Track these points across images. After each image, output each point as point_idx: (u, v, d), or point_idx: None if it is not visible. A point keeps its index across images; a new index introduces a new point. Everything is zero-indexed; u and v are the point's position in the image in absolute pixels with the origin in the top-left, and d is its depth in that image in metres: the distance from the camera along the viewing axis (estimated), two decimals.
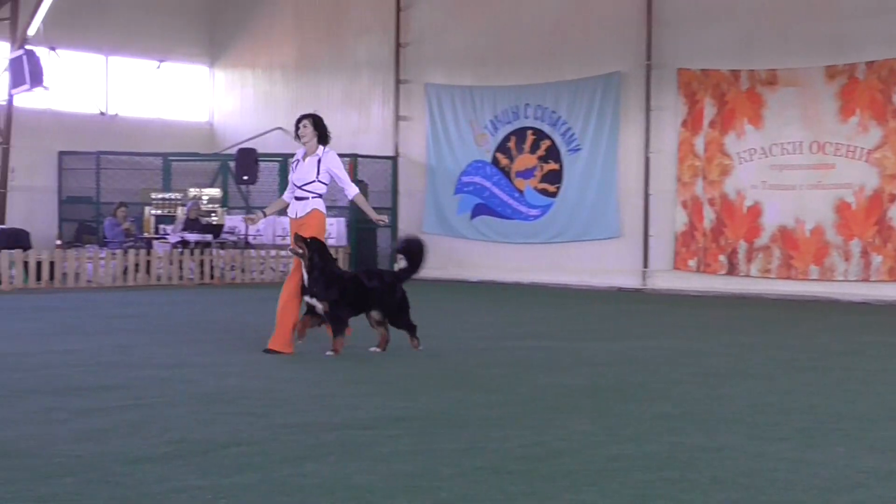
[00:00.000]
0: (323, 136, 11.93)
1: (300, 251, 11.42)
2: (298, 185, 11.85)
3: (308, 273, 11.40)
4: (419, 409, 8.22)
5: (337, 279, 11.53)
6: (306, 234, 11.55)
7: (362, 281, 11.78)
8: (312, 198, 11.83)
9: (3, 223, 26.05)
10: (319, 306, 11.41)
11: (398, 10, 27.85)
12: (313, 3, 29.70)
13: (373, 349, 11.68)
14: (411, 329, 11.94)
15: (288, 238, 25.04)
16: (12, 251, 21.52)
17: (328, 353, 11.30)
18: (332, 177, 11.88)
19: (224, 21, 31.63)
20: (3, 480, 5.82)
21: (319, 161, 11.80)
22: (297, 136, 11.98)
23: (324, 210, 11.94)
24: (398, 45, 27.88)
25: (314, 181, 11.79)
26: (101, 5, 29.39)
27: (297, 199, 11.90)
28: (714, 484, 5.98)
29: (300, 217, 11.83)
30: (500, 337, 13.83)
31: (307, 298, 11.49)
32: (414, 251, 12.12)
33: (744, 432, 7.48)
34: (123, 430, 7.27)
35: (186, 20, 31.35)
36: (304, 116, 12.02)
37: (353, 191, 12.18)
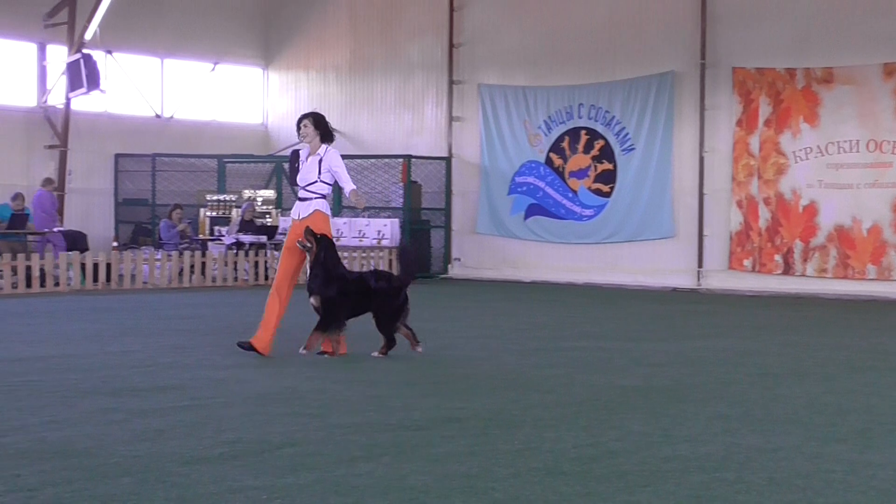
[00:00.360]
0: (326, 135, 11.82)
1: (308, 245, 11.23)
2: (302, 185, 11.68)
3: (310, 268, 11.27)
4: (474, 409, 8.22)
5: (338, 279, 11.29)
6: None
7: (367, 282, 11.50)
8: (315, 198, 11.63)
9: (61, 225, 26.31)
10: (311, 301, 11.29)
11: (451, 10, 27.85)
12: (367, 5, 29.77)
13: (374, 354, 11.39)
14: (391, 341, 11.43)
15: (343, 239, 25.05)
16: (70, 253, 21.74)
17: (301, 350, 11.33)
18: (333, 176, 11.67)
19: (279, 23, 31.77)
20: (62, 480, 5.88)
21: (321, 160, 11.65)
22: (300, 137, 11.88)
23: (327, 211, 11.71)
24: (451, 46, 27.88)
25: (316, 181, 11.63)
26: (156, 9, 29.61)
27: (301, 199, 11.71)
28: (770, 485, 5.93)
29: (303, 218, 11.58)
30: (554, 337, 13.80)
31: (310, 299, 11.35)
32: (407, 260, 12.12)
33: (800, 433, 7.42)
34: (179, 430, 7.32)
35: (241, 22, 31.52)
36: (304, 116, 11.90)
37: (349, 187, 11.69)
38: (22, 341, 12.68)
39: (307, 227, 11.33)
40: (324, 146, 11.77)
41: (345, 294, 11.23)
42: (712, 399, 8.87)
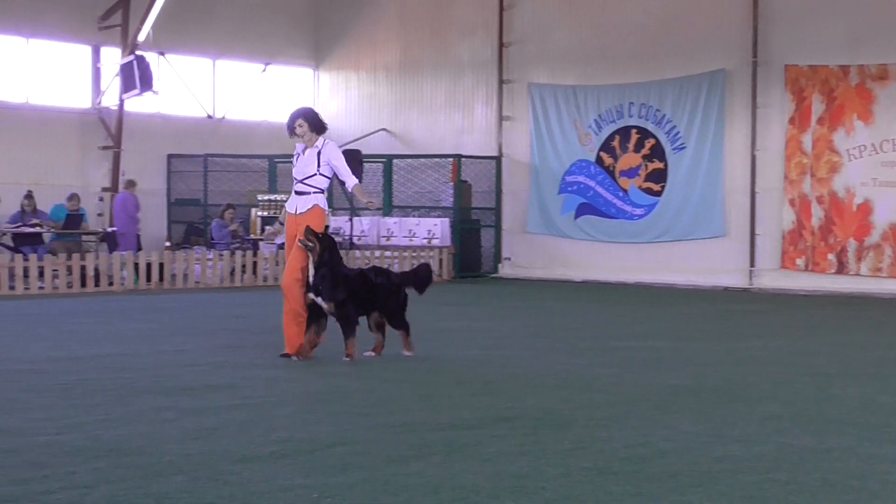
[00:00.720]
0: (320, 128, 11.48)
1: (310, 244, 10.88)
2: (299, 178, 11.35)
3: (315, 269, 10.89)
4: (524, 408, 8.21)
5: (343, 279, 10.97)
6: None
7: (369, 277, 11.27)
8: (314, 192, 11.34)
9: (114, 225, 26.54)
10: (324, 306, 10.90)
11: (501, 9, 27.83)
12: (417, 4, 29.80)
13: (368, 353, 11.17)
14: (406, 328, 11.35)
15: (393, 238, 25.07)
16: (124, 253, 21.92)
17: (344, 358, 10.83)
18: (332, 169, 11.42)
19: (329, 23, 31.86)
20: (116, 478, 5.93)
21: (319, 153, 11.37)
22: (295, 137, 11.50)
23: (325, 206, 11.44)
24: (501, 45, 27.86)
25: (315, 174, 11.32)
26: (208, 10, 29.79)
27: (298, 193, 11.37)
28: (824, 486, 5.89)
29: (300, 213, 11.27)
30: (604, 337, 13.76)
31: (310, 295, 10.93)
32: (422, 279, 11.71)
33: (855, 434, 7.35)
34: (231, 429, 7.36)
35: (292, 23, 31.64)
36: (296, 115, 11.47)
37: (352, 181, 11.56)
38: (77, 340, 12.80)
39: (307, 226, 10.97)
40: (321, 139, 11.49)
41: (353, 293, 10.95)
42: (764, 399, 8.81)
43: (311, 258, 10.92)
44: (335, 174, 11.56)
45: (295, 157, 11.54)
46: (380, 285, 11.20)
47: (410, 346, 11.37)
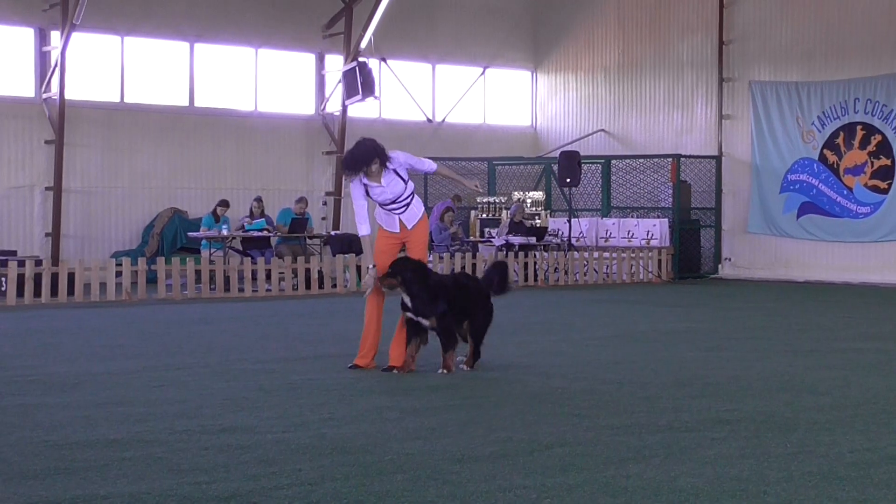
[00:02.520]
0: (386, 160, 10.54)
1: (395, 283, 10.29)
2: (392, 200, 10.56)
3: (409, 295, 10.28)
4: (745, 411, 8.10)
5: (440, 289, 10.35)
6: (421, 237, 10.69)
7: (463, 282, 10.80)
8: (412, 202, 10.69)
9: (337, 229, 27.17)
10: (426, 323, 10.34)
11: (721, 7, 27.46)
12: (636, 4, 29.62)
13: (461, 365, 10.57)
14: (477, 345, 10.66)
15: (612, 239, 24.96)
16: (346, 255, 22.42)
17: (441, 370, 10.28)
18: (408, 169, 10.66)
19: (547, 25, 31.94)
20: (340, 475, 6.10)
21: (396, 171, 10.51)
22: (364, 176, 10.47)
23: (421, 205, 10.85)
24: (721, 43, 27.48)
25: (405, 189, 10.60)
26: (428, 16, 30.25)
27: (394, 212, 10.66)
28: None
29: (414, 226, 10.70)
30: (828, 338, 13.43)
31: (409, 314, 10.37)
32: (500, 277, 11.04)
33: None
34: (451, 428, 7.47)
35: (511, 26, 31.84)
36: (369, 156, 10.40)
37: (431, 165, 10.95)
38: (303, 341, 13.17)
39: (388, 270, 10.37)
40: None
41: (451, 304, 10.33)
42: None
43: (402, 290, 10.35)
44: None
45: (362, 189, 10.57)
46: (472, 292, 10.67)
47: (473, 363, 10.62)
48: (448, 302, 10.31)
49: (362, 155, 10.42)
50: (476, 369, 10.50)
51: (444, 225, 25.71)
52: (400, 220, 10.69)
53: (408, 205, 10.68)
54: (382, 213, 10.75)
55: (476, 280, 11.18)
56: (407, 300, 10.31)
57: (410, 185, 10.69)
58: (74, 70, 25.00)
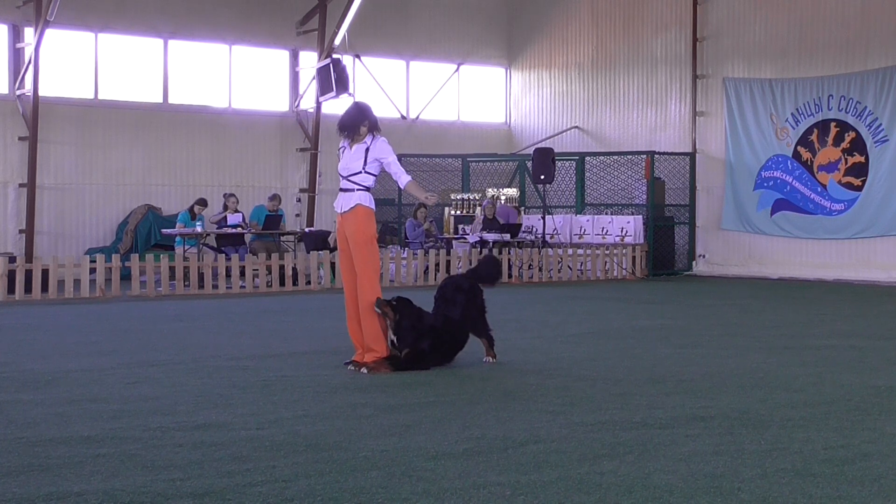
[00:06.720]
0: (378, 129, 10.63)
1: (388, 315, 10.30)
2: (344, 175, 10.56)
3: (395, 333, 10.35)
4: (719, 408, 8.12)
5: (427, 331, 10.31)
6: (350, 229, 10.45)
7: (452, 320, 10.54)
8: (358, 190, 10.49)
9: (311, 225, 27.14)
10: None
11: (695, 4, 27.53)
12: (610, 1, 29.66)
13: (485, 359, 10.79)
14: (489, 337, 10.87)
15: (586, 236, 24.88)
16: (320, 252, 22.39)
17: (362, 369, 10.17)
18: (381, 166, 10.55)
19: (521, 22, 31.98)
20: (314, 472, 6.09)
21: (367, 150, 10.49)
22: (351, 140, 10.57)
23: (370, 204, 10.52)
24: (695, 40, 27.55)
25: (360, 172, 10.47)
26: (403, 13, 30.25)
27: (343, 190, 10.60)
28: None
29: (345, 212, 10.53)
30: (803, 335, 13.48)
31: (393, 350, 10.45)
32: (491, 271, 11.24)
33: None
34: (425, 425, 7.47)
35: (484, 23, 31.87)
36: (361, 117, 10.56)
37: (405, 179, 10.66)
38: (277, 337, 13.14)
39: (379, 298, 10.35)
40: (370, 134, 10.60)
41: (438, 345, 10.35)
42: None
43: (388, 323, 10.38)
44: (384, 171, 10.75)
45: (340, 151, 10.75)
46: (459, 303, 10.64)
47: (493, 354, 10.84)
48: (432, 344, 10.30)
49: (356, 115, 10.56)
50: (497, 359, 10.77)
51: (417, 221, 25.69)
52: (340, 199, 10.61)
53: (351, 190, 10.51)
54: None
55: (461, 280, 11.16)
56: (393, 338, 10.45)
57: (368, 179, 10.51)
58: (48, 67, 24.93)
